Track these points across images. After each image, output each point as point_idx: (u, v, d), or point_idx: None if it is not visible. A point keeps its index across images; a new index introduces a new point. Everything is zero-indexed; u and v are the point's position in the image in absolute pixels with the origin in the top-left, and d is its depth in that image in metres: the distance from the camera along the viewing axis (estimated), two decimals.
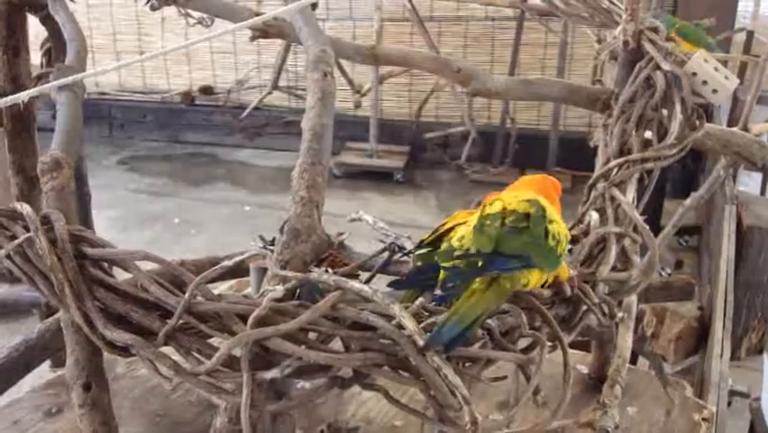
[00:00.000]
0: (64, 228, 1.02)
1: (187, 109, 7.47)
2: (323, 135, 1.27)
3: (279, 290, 0.99)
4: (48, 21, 1.76)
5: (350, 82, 6.72)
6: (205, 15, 3.46)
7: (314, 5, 1.81)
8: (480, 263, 1.11)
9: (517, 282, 1.13)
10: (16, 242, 1.00)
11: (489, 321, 1.09)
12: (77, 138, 1.21)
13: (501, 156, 6.68)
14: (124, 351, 1.02)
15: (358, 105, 6.78)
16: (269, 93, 6.92)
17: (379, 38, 6.53)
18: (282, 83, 6.99)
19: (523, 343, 1.18)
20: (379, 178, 6.60)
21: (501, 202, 1.20)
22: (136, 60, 6.70)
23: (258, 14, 1.68)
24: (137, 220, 5.50)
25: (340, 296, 1.01)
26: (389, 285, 1.54)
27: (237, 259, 1.13)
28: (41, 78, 1.93)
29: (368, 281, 1.52)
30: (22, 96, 1.27)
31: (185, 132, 7.51)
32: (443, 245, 1.25)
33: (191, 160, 7.15)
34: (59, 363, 2.27)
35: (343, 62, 6.37)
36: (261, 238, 2.10)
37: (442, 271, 1.14)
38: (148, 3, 1.91)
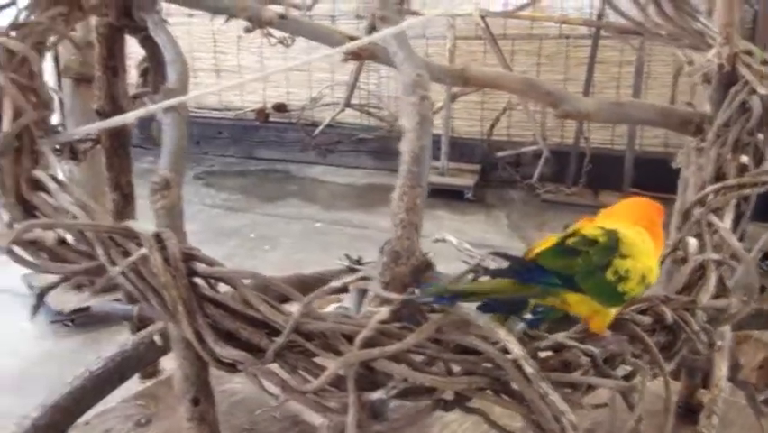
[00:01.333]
0: (176, 246, 1.05)
1: (261, 126, 7.59)
2: (422, 158, 1.29)
3: (384, 311, 1.01)
4: (146, 42, 1.81)
5: None
6: (286, 35, 3.52)
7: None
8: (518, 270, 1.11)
9: (554, 300, 1.12)
10: (131, 259, 1.04)
11: (591, 347, 1.09)
12: (183, 157, 1.25)
13: (574, 176, 6.61)
14: (232, 367, 1.05)
15: None
16: (342, 110, 6.98)
17: (451, 56, 6.55)
18: (354, 101, 7.05)
19: (618, 369, 1.18)
20: (449, 196, 6.59)
21: (582, 228, 1.20)
22: (238, 82, 6.83)
23: (351, 38, 1.70)
24: (213, 234, 5.60)
25: (444, 319, 1.02)
26: (478, 308, 1.54)
27: (346, 281, 1.15)
28: (138, 98, 1.99)
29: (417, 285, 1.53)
30: (131, 116, 1.31)
31: (259, 148, 7.63)
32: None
33: (265, 176, 7.25)
34: (147, 374, 2.34)
35: None
36: (347, 257, 2.13)
37: None
38: (226, 21, 1.95)
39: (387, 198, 5.24)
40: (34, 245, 1.12)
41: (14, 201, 1.19)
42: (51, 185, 1.16)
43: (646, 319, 1.21)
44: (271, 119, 7.57)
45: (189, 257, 1.08)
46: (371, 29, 5.51)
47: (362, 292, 1.18)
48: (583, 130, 6.53)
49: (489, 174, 6.90)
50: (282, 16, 1.65)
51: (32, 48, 1.38)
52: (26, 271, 4.18)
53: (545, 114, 6.63)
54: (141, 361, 1.76)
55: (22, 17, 1.46)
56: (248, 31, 1.77)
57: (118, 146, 1.90)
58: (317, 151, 7.37)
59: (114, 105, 1.86)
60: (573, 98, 1.70)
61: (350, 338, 0.99)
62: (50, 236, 1.05)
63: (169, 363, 2.43)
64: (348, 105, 6.94)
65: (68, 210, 1.15)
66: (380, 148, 7.23)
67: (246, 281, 1.08)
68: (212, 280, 1.09)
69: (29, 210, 1.19)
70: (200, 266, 1.07)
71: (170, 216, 1.14)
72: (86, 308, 4.40)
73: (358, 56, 1.67)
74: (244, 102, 7.65)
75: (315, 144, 7.28)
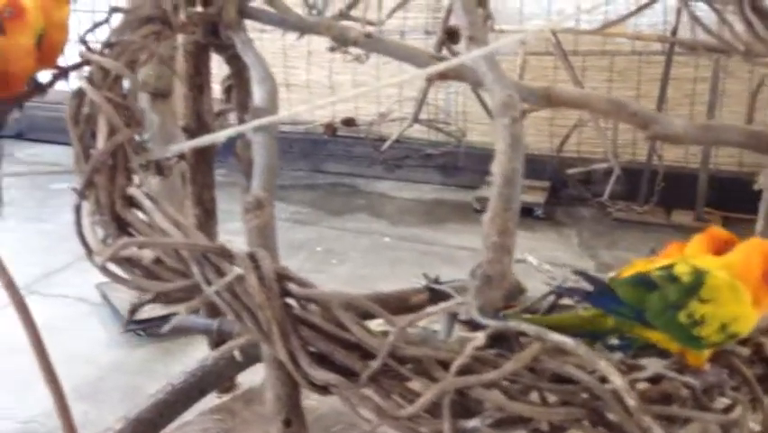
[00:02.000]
0: (271, 267, 1.05)
1: (330, 140, 7.63)
2: (513, 180, 1.27)
3: (480, 338, 0.99)
4: (232, 60, 1.83)
5: (490, 114, 6.69)
6: (362, 52, 3.53)
7: None
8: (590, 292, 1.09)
9: (623, 329, 1.09)
10: (227, 279, 1.04)
11: (691, 379, 1.06)
12: (275, 177, 1.26)
13: (647, 194, 6.48)
14: (324, 390, 1.04)
15: None
16: (410, 126, 6.97)
17: (522, 72, 6.49)
18: (423, 116, 7.03)
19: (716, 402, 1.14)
20: (520, 213, 6.51)
21: (672, 258, 1.16)
22: (332, 99, 6.91)
23: (435, 58, 1.69)
24: (282, 247, 5.61)
25: (542, 347, 1.00)
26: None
27: (442, 307, 1.13)
28: (221, 114, 2.02)
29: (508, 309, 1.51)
30: (222, 135, 1.32)
31: (327, 162, 7.67)
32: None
33: (332, 190, 7.28)
34: (224, 389, 2.36)
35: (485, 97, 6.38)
36: (425, 276, 2.11)
37: None
38: (300, 38, 1.96)
39: (454, 213, 5.28)
40: (129, 262, 1.13)
41: (109, 218, 1.21)
42: (146, 202, 1.17)
43: (745, 351, 1.17)
44: (340, 133, 7.61)
45: (283, 277, 1.07)
46: (441, 44, 5.50)
47: (453, 316, 1.16)
48: (656, 147, 6.40)
49: (558, 191, 6.81)
50: (368, 35, 1.65)
51: (125, 66, 1.39)
52: (100, 279, 4.26)
53: (617, 130, 6.52)
54: (220, 376, 1.77)
55: (114, 36, 1.48)
56: (332, 50, 1.78)
57: (202, 162, 1.93)
58: (385, 165, 7.37)
59: (200, 121, 1.88)
60: (663, 120, 1.66)
61: (445, 364, 0.97)
62: (146, 254, 1.05)
63: (246, 378, 2.45)
64: (416, 120, 6.91)
65: (161, 227, 1.15)
66: (448, 163, 7.20)
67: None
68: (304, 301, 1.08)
69: (123, 227, 1.20)
70: (293, 287, 1.07)
71: (263, 235, 1.15)
72: (158, 318, 4.46)
73: (444, 76, 1.66)
74: (313, 116, 7.71)
75: (382, 159, 7.29)
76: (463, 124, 7.22)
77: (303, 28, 1.79)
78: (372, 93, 7.46)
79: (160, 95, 4.05)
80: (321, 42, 7.33)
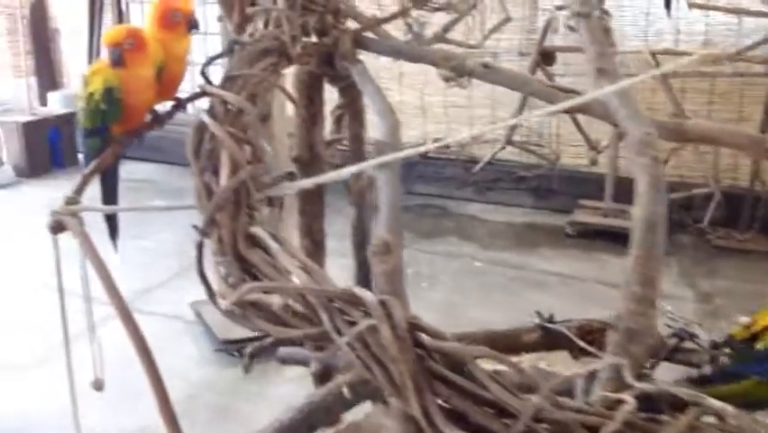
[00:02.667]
0: (403, 316, 1.00)
1: (420, 161, 7.59)
2: (656, 226, 1.19)
3: (631, 402, 0.92)
4: (346, 91, 1.80)
5: (586, 138, 6.57)
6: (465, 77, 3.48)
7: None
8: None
9: None
10: (358, 329, 0.99)
11: None
12: (400, 217, 1.21)
13: (749, 221, 6.24)
14: None
15: (594, 163, 6.59)
16: (503, 148, 6.88)
17: None
18: (516, 138, 6.95)
19: None
20: (614, 239, 6.33)
21: None
22: (472, 133, 6.88)
23: (556, 88, 1.62)
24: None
25: (698, 413, 0.92)
26: (689, 381, 1.42)
27: (594, 367, 1.06)
28: (332, 144, 1.99)
29: (651, 368, 1.42)
30: (346, 171, 1.28)
31: (417, 183, 7.63)
32: (760, 344, 1.12)
33: (422, 211, 7.24)
34: (327, 422, 2.32)
35: (579, 115, 6.26)
36: (539, 314, 2.04)
37: None
38: (395, 60, 1.92)
39: (546, 238, 5.14)
40: (254, 306, 1.09)
41: (232, 258, 1.17)
42: (270, 243, 1.13)
43: None
44: (430, 154, 7.56)
45: (415, 327, 1.02)
46: (536, 66, 5.39)
47: (593, 373, 1.09)
48: (759, 172, 6.17)
49: None
50: (486, 65, 1.60)
51: (246, 100, 1.37)
52: (194, 297, 4.29)
53: (717, 154, 6.31)
54: (329, 412, 1.73)
55: (235, 69, 1.46)
56: (446, 80, 1.73)
57: (313, 192, 1.90)
58: (475, 187, 7.30)
59: (312, 152, 1.86)
60: None
61: (593, 429, 0.90)
62: (274, 300, 1.01)
63: (350, 414, 2.41)
64: (509, 142, 6.83)
65: (287, 270, 1.11)
66: (541, 186, 7.09)
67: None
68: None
69: (246, 268, 1.16)
70: (426, 338, 1.01)
71: (392, 281, 1.10)
72: (251, 339, 4.48)
73: (570, 109, 1.59)
74: (404, 137, 7.68)
75: (473, 181, 7.22)
76: (557, 146, 7.10)
77: (419, 58, 1.75)
78: (439, 110, 7.43)
79: (262, 118, 4.09)
80: (413, 65, 7.32)
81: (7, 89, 9.22)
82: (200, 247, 1.22)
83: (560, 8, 6.46)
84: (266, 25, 1.62)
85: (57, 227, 1.42)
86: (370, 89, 1.55)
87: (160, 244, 5.87)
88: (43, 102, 9.04)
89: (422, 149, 1.30)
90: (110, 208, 1.79)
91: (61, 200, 1.52)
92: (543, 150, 7.06)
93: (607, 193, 6.50)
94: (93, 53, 8.59)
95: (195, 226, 1.26)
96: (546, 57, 6.46)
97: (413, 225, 6.79)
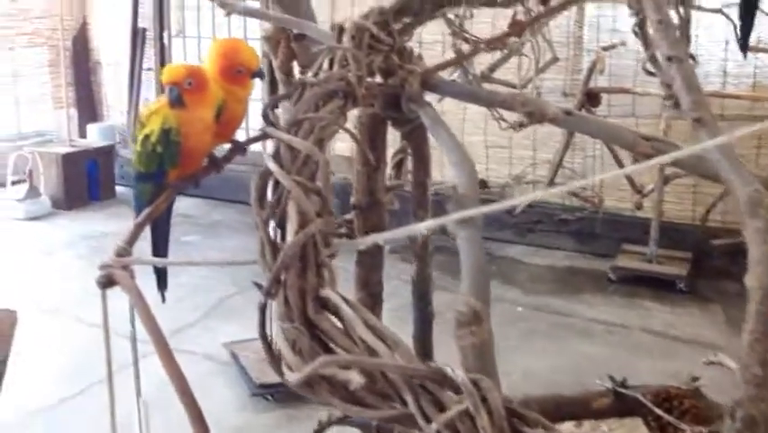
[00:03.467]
0: (500, 401, 0.88)
1: None
2: None
3: None
4: (411, 135, 1.69)
5: (631, 182, 6.42)
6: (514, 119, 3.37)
7: None
8: None
9: None
10: (450, 415, 0.87)
11: None
12: (488, 281, 1.08)
13: None
14: None
15: (639, 207, 6.43)
16: (545, 190, 6.73)
17: (665, 137, 6.19)
18: (558, 180, 6.80)
19: None
20: (658, 285, 6.17)
21: None
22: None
23: (644, 138, 1.50)
24: (409, 312, 5.47)
25: None
26: None
27: None
28: (392, 190, 1.87)
29: None
30: (423, 226, 1.16)
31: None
32: None
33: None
34: None
35: (622, 156, 6.11)
36: (611, 379, 1.90)
37: None
38: (500, 120, 1.80)
39: (589, 283, 4.94)
40: (326, 381, 0.97)
41: (300, 322, 1.05)
42: (344, 308, 1.01)
43: None
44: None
45: (513, 414, 0.89)
46: (581, 107, 5.26)
47: None
48: None
49: (702, 263, 6.41)
50: (568, 113, 1.48)
51: (314, 145, 1.26)
52: (227, 338, 4.17)
53: None
54: None
55: (301, 112, 1.35)
56: (520, 126, 1.61)
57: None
58: (516, 229, 7.15)
59: (372, 198, 1.74)
60: None
61: None
62: (353, 377, 0.89)
63: None
64: (552, 184, 6.69)
65: (363, 340, 0.99)
66: (583, 230, 6.92)
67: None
68: None
69: (315, 335, 1.04)
70: (526, 429, 0.88)
71: (481, 356, 0.97)
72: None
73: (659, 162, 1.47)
74: (443, 177, 7.57)
75: (514, 223, 7.07)
76: (600, 189, 6.94)
77: (493, 102, 1.64)
78: (479, 150, 7.31)
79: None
80: (454, 103, 7.22)
81: (48, 120, 9.27)
82: (263, 310, 1.10)
83: (606, 48, 6.36)
84: (330, 65, 1.51)
85: (107, 282, 1.31)
86: (444, 136, 1.43)
87: (190, 281, 5.79)
88: (83, 134, 9.07)
89: (507, 204, 1.17)
90: (164, 261, 1.68)
91: (112, 251, 1.41)
92: (586, 193, 6.90)
93: (651, 238, 6.33)
94: (134, 86, 8.60)
95: (257, 285, 1.14)
96: (592, 98, 6.34)
97: (453, 266, 6.60)
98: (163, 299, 1.83)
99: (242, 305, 5.44)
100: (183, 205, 7.69)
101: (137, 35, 8.71)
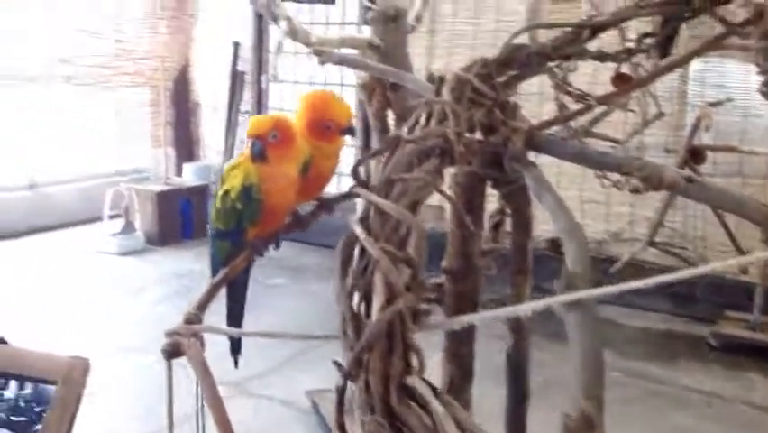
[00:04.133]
0: None
1: (553, 257, 7.20)
2: None
3: None
4: (512, 196, 1.56)
5: (735, 244, 6.09)
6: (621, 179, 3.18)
7: None
8: None
9: None
10: None
11: None
12: (603, 377, 0.93)
13: None
14: None
15: (744, 271, 6.08)
16: (644, 249, 6.46)
17: None
18: (658, 238, 6.51)
19: None
20: (763, 356, 5.80)
21: None
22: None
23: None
24: (498, 373, 5.27)
25: None
26: None
27: None
28: (488, 255, 1.73)
29: None
30: (526, 308, 1.03)
31: (549, 280, 7.25)
32: None
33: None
34: None
35: (728, 220, 5.81)
36: None
37: None
38: (602, 177, 1.65)
39: (687, 349, 4.59)
40: None
41: (381, 413, 0.91)
42: (433, 403, 0.87)
43: None
44: (561, 251, 7.18)
45: None
46: (684, 164, 5.00)
47: None
48: None
49: None
50: (689, 180, 1.32)
51: (406, 208, 1.13)
52: (310, 385, 4.06)
53: None
54: None
55: (395, 172, 1.23)
56: (635, 191, 1.45)
57: (464, 312, 1.64)
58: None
59: (466, 263, 1.60)
60: None
61: None
62: None
63: None
64: (651, 242, 6.40)
65: None
66: (682, 292, 6.58)
67: None
68: None
69: (399, 429, 0.90)
70: None
71: None
72: None
73: None
74: (537, 231, 7.35)
75: (609, 282, 6.78)
76: (702, 250, 6.62)
77: (606, 165, 1.49)
78: (574, 206, 7.06)
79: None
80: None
81: (146, 158, 9.49)
82: (342, 393, 0.97)
83: (713, 105, 6.09)
84: (428, 119, 1.39)
85: (173, 351, 1.20)
86: (551, 201, 1.30)
87: (273, 326, 5.72)
88: (179, 173, 9.22)
89: (630, 285, 1.03)
90: (235, 331, 1.57)
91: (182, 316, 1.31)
92: (687, 253, 6.58)
93: (756, 305, 5.97)
94: (230, 128, 8.73)
95: (337, 364, 1.02)
96: (696, 155, 6.06)
97: (543, 326, 6.38)
98: (236, 364, 1.72)
99: (327, 353, 5.34)
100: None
101: (236, 78, 8.85)
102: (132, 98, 9.19)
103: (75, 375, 1.81)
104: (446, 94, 1.43)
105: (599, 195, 6.96)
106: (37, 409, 1.81)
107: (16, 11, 7.79)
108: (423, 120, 1.41)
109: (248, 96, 8.73)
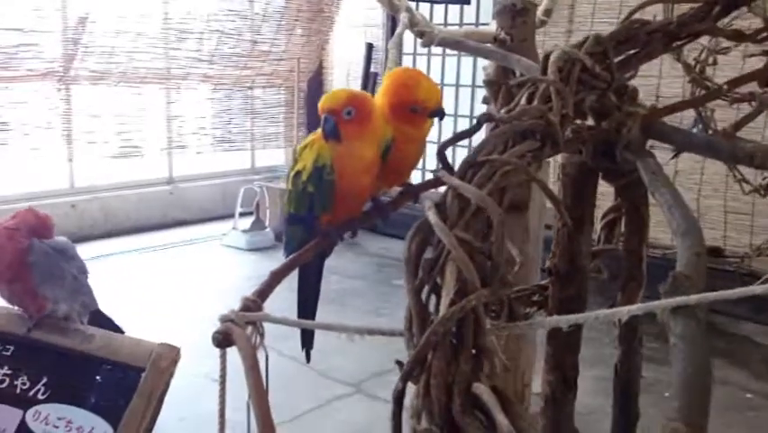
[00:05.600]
0: None
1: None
2: None
3: None
4: (627, 191, 1.39)
5: None
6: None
7: None
8: None
9: None
10: None
11: None
12: (708, 398, 0.77)
13: None
14: None
15: None
16: None
17: None
18: None
19: None
20: None
21: None
22: None
23: None
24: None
25: None
26: None
27: None
28: (599, 256, 1.56)
29: None
30: (625, 311, 0.87)
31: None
32: None
33: None
34: None
35: None
36: None
37: None
38: (743, 182, 1.45)
39: None
40: None
41: (440, 426, 0.78)
42: (499, 418, 0.74)
43: None
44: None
45: None
46: None
47: None
48: None
49: None
50: None
51: (491, 195, 0.99)
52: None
53: None
54: None
55: (482, 153, 1.10)
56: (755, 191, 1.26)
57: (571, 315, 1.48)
58: (753, 305, 6.41)
59: (573, 264, 1.44)
60: None
61: None
62: None
63: None
64: None
65: None
66: None
67: None
68: None
69: None
70: None
71: None
72: None
73: None
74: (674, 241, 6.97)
75: (751, 297, 6.34)
76: None
77: (737, 157, 1.30)
78: (717, 216, 6.63)
79: (515, 206, 3.69)
80: (691, 160, 6.63)
81: (279, 157, 9.65)
82: (399, 398, 0.85)
83: None
84: (530, 101, 1.24)
85: (225, 340, 1.11)
86: (668, 196, 1.13)
87: (400, 324, 5.63)
88: None
89: (744, 290, 0.85)
90: (298, 322, 1.46)
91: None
92: None
93: None
94: None
95: (399, 363, 0.89)
96: None
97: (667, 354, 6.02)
98: (308, 359, 1.61)
99: None
100: (400, 248, 7.62)
101: (368, 79, 8.85)
102: (268, 99, 9.35)
103: (163, 363, 1.77)
104: (552, 73, 1.28)
105: (746, 205, 6.54)
106: (125, 396, 1.78)
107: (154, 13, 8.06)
108: (524, 101, 1.27)
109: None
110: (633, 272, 1.49)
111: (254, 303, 1.24)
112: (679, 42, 1.45)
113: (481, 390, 0.80)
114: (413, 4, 3.28)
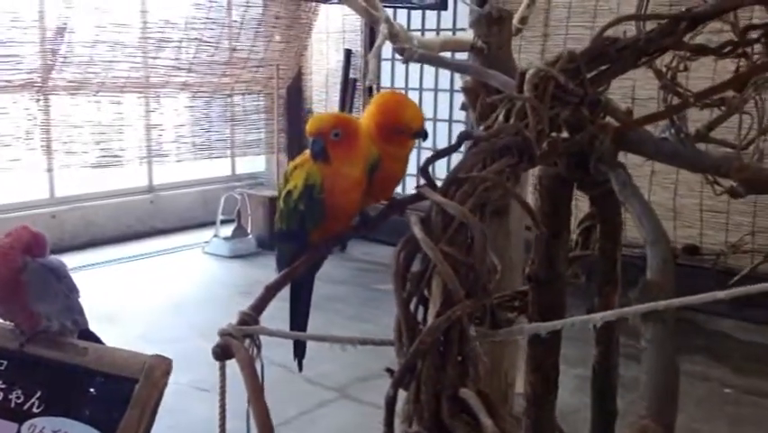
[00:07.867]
0: None
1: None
2: None
3: None
4: (600, 200, 1.46)
5: None
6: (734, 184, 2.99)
7: None
8: None
9: None
10: None
11: None
12: (676, 401, 0.84)
13: None
14: None
15: None
16: (764, 261, 6.11)
17: None
18: None
19: None
20: None
21: None
22: None
23: None
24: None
25: None
26: None
27: None
28: (576, 261, 1.63)
29: None
30: (598, 317, 0.94)
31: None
32: None
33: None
34: None
35: None
36: None
37: None
38: (714, 184, 1.53)
39: None
40: None
41: (429, 428, 0.85)
42: (484, 420, 0.80)
43: None
44: (679, 261, 6.89)
45: None
46: None
47: None
48: None
49: None
50: None
51: (472, 210, 1.06)
52: None
53: None
54: None
55: (462, 171, 1.16)
56: (735, 195, 1.34)
57: (551, 317, 1.55)
58: (732, 302, 6.52)
59: (551, 270, 1.51)
60: None
61: None
62: None
63: None
64: None
65: None
66: None
67: None
68: None
69: None
70: None
71: None
72: None
73: None
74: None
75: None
76: None
77: (702, 167, 1.37)
78: (693, 214, 6.74)
79: (496, 212, 3.75)
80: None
81: (259, 164, 9.69)
82: (391, 404, 0.91)
83: None
84: (507, 117, 1.31)
85: (224, 353, 1.16)
86: (637, 206, 1.19)
87: (381, 329, 5.69)
88: None
89: (714, 295, 0.92)
90: (294, 335, 1.53)
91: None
92: None
93: None
94: None
95: (389, 370, 0.95)
96: None
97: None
98: (300, 368, 1.67)
99: None
100: (382, 253, 7.68)
101: (347, 85, 8.91)
102: (247, 106, 9.39)
103: (156, 375, 1.81)
104: (527, 90, 1.35)
105: (720, 204, 6.65)
106: (119, 407, 1.82)
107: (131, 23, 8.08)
108: (501, 118, 1.33)
109: (359, 104, 8.77)
110: (608, 276, 1.56)
111: (251, 317, 1.30)
112: (647, 58, 1.52)
113: (468, 394, 0.86)
114: (391, 12, 3.35)
